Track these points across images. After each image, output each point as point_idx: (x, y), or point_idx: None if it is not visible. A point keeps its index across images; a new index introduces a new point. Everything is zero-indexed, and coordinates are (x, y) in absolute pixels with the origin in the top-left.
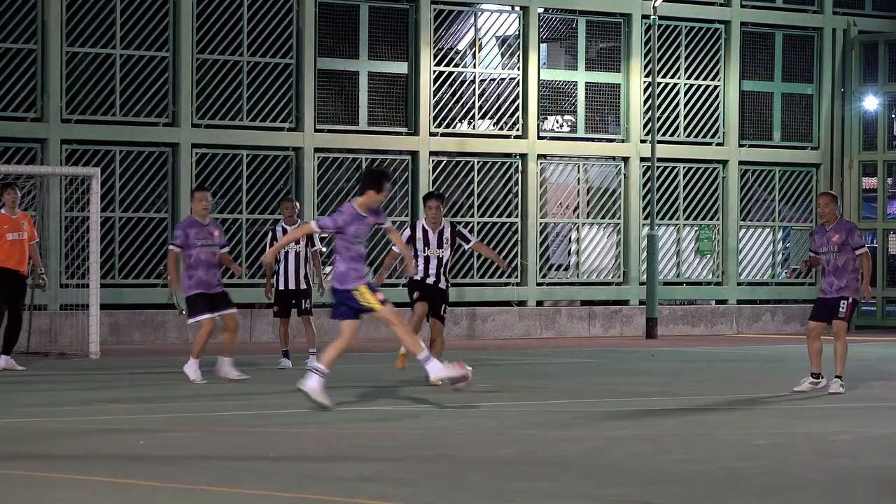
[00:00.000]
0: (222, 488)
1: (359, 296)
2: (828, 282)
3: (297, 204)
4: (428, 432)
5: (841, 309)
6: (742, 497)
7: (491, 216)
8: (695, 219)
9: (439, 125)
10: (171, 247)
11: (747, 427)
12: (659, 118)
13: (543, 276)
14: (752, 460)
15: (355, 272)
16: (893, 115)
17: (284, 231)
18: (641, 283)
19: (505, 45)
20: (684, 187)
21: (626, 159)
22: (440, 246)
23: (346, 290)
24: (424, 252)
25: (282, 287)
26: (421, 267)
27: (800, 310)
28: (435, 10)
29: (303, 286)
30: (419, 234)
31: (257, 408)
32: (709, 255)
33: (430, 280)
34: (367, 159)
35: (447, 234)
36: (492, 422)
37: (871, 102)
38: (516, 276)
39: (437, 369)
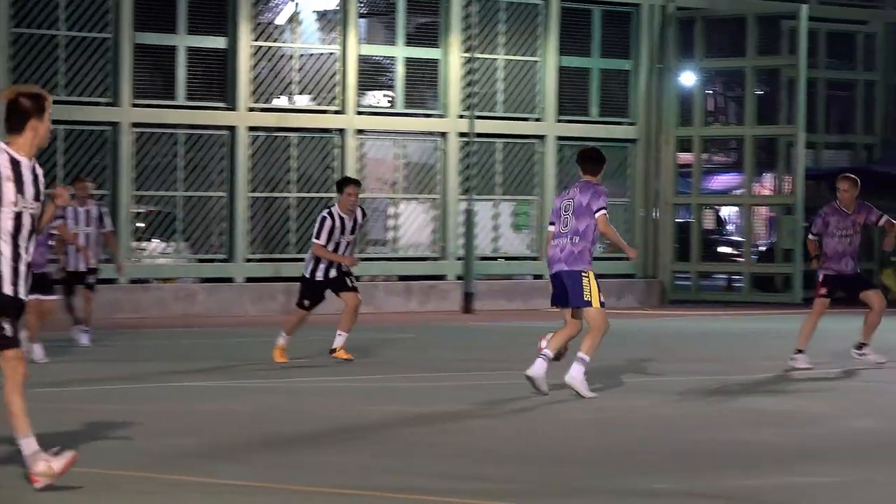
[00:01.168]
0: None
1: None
2: (844, 262)
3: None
4: (249, 408)
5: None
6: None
7: (309, 191)
8: (512, 194)
9: (258, 100)
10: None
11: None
12: (477, 94)
13: (361, 252)
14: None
15: None
16: (709, 92)
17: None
18: (459, 258)
19: (324, 20)
20: (502, 162)
21: (444, 134)
22: (353, 232)
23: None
24: (338, 239)
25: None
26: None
27: (616, 284)
28: None
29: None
30: (336, 223)
31: None
32: (526, 230)
33: (334, 274)
34: (184, 135)
35: (360, 220)
36: (310, 396)
37: (687, 78)
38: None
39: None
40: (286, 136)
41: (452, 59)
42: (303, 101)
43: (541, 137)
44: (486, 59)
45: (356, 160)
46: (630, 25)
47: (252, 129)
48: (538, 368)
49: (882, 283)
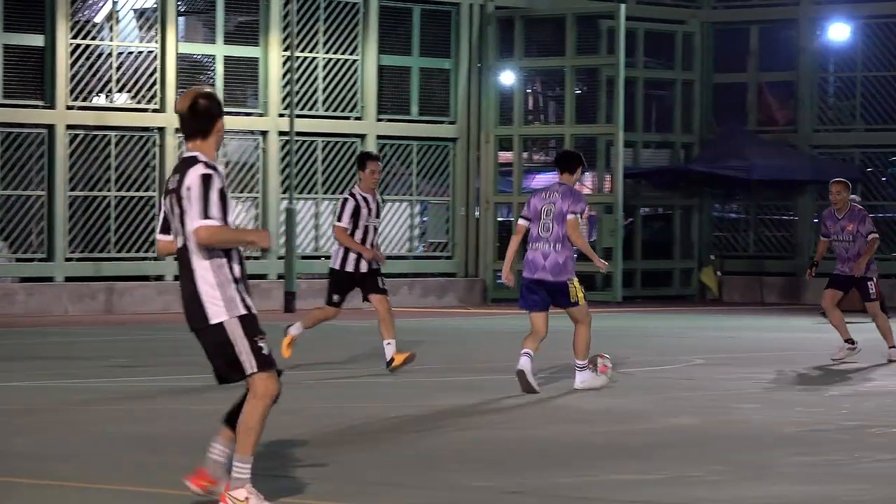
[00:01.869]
0: None
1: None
2: (847, 266)
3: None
4: (68, 408)
5: (871, 291)
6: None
7: (129, 190)
8: (333, 192)
9: (76, 98)
10: None
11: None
12: (298, 92)
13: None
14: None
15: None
16: (529, 91)
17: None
18: (280, 258)
19: (143, 18)
20: (323, 161)
21: (264, 133)
22: (378, 215)
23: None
24: (366, 222)
25: None
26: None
27: (438, 283)
28: None
29: None
30: (361, 204)
31: None
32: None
33: (366, 268)
34: (2, 133)
35: (379, 200)
36: (128, 396)
37: (507, 77)
38: (154, 251)
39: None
40: (105, 135)
41: (272, 57)
42: (122, 99)
43: (361, 136)
44: (306, 57)
45: (176, 159)
46: (450, 24)
47: (70, 127)
48: (525, 364)
49: (701, 282)
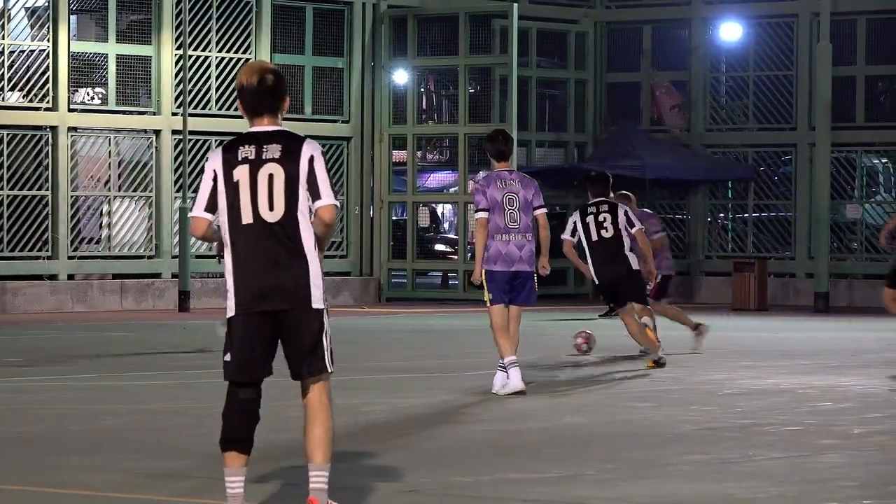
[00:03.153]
0: None
1: None
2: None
3: None
4: None
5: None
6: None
7: (21, 189)
8: None
9: None
10: None
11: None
12: (190, 91)
13: (75, 250)
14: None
15: None
16: (423, 90)
17: None
18: (174, 257)
19: (34, 17)
20: None
21: (157, 132)
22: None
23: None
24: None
25: None
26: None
27: (332, 282)
28: None
29: None
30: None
31: None
32: None
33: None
34: None
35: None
36: (25, 395)
37: (400, 76)
38: (47, 250)
39: None
40: None
41: (165, 56)
42: (13, 97)
43: None
44: (199, 56)
45: (69, 158)
46: (343, 23)
47: None
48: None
49: None
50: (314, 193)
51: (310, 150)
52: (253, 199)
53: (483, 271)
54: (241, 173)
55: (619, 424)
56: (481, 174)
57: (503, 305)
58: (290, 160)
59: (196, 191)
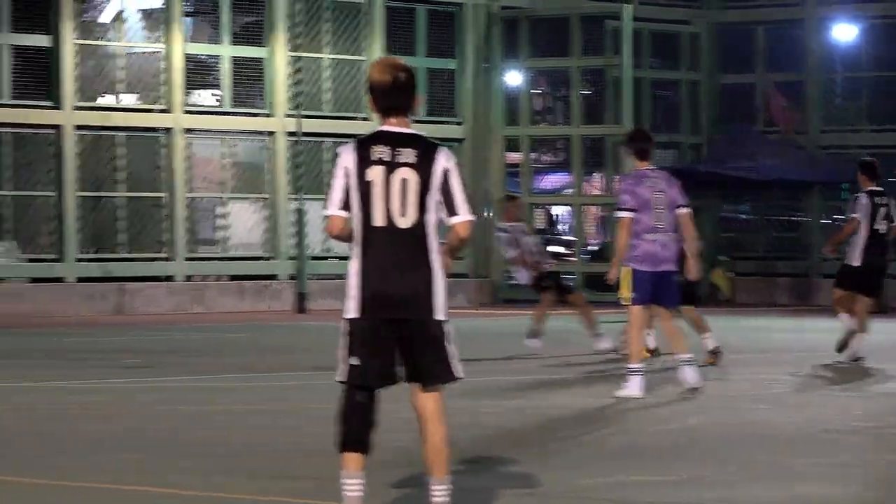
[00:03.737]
0: None
1: None
2: None
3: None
4: (62, 408)
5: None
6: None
7: (138, 191)
8: None
9: (83, 99)
10: None
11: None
12: (304, 93)
13: (192, 252)
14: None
15: None
16: (536, 91)
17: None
18: (291, 258)
19: (149, 19)
20: (330, 161)
21: (272, 133)
22: None
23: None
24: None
25: None
26: None
27: (448, 284)
28: None
29: None
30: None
31: None
32: None
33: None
34: (9, 133)
35: None
36: (141, 395)
37: (513, 78)
38: (165, 251)
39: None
40: (112, 136)
41: (278, 58)
42: (129, 99)
43: None
44: (313, 58)
45: (184, 159)
46: (454, 25)
47: (78, 128)
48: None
49: (712, 283)
50: (450, 208)
51: (445, 161)
52: (386, 203)
53: (630, 270)
54: (375, 174)
55: (741, 427)
56: (630, 172)
57: (645, 306)
58: (424, 167)
59: (328, 188)
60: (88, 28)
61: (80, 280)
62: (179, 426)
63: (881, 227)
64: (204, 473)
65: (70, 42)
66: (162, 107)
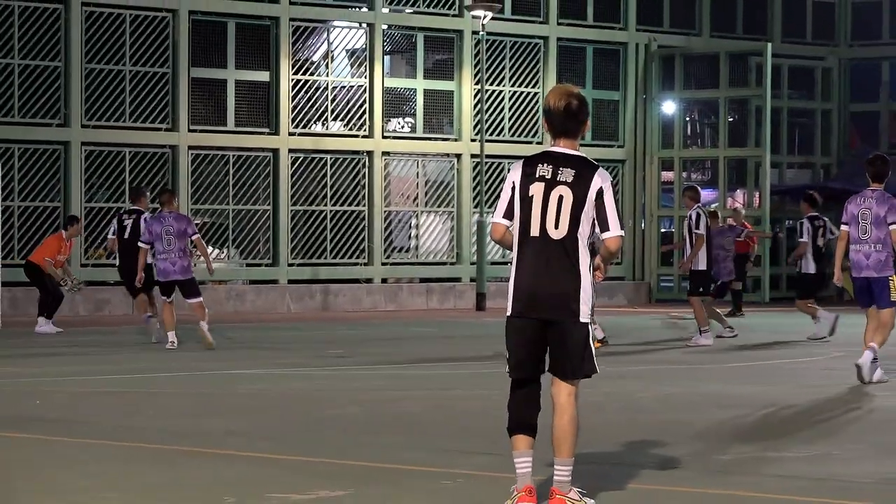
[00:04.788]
0: (103, 441)
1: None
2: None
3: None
4: (286, 393)
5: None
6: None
7: (342, 205)
8: None
9: (297, 126)
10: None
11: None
12: (487, 120)
13: (388, 257)
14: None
15: None
16: (688, 118)
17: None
18: (472, 263)
19: (354, 57)
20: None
21: (458, 156)
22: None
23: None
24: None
25: None
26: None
27: (608, 286)
28: (293, 25)
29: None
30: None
31: (138, 372)
32: None
33: None
34: (234, 156)
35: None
36: (345, 383)
37: (669, 107)
38: (364, 257)
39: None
40: (322, 158)
41: (465, 90)
42: (336, 126)
43: None
44: (494, 90)
45: (382, 178)
46: (619, 61)
47: (292, 151)
48: (865, 358)
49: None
50: (602, 223)
51: (600, 181)
52: (542, 215)
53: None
54: (536, 189)
55: (862, 410)
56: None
57: (866, 307)
58: (580, 186)
59: (497, 200)
60: (302, 65)
61: (291, 282)
62: (388, 409)
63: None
64: (395, 448)
65: (287, 77)
66: (364, 133)
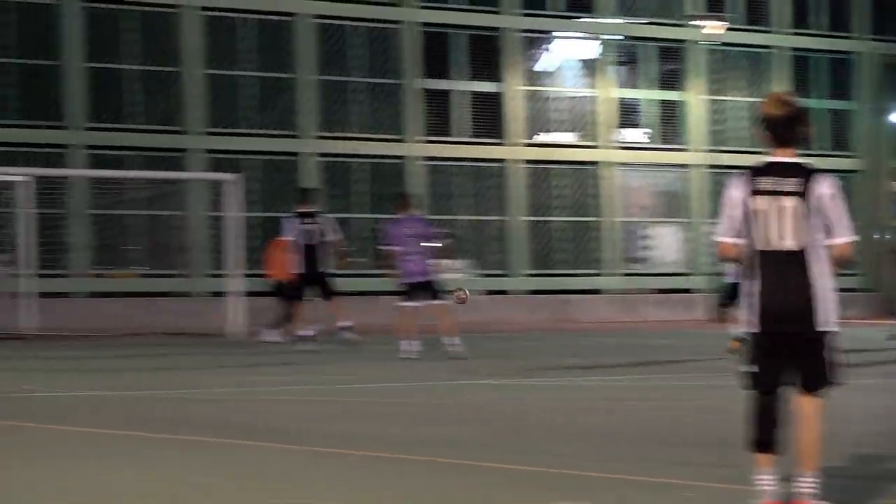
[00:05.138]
0: (330, 449)
1: None
2: None
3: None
4: (516, 402)
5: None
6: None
7: (574, 216)
8: None
9: (528, 137)
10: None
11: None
12: (717, 130)
13: (623, 268)
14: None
15: None
16: None
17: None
18: (706, 274)
19: (582, 67)
20: None
21: (689, 166)
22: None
23: None
24: None
25: None
26: None
27: (842, 297)
28: (523, 37)
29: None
30: None
31: (374, 381)
32: None
33: None
34: (465, 166)
35: None
36: (580, 392)
37: None
38: (600, 267)
39: None
40: (552, 168)
41: (695, 100)
42: (566, 137)
43: None
44: (725, 100)
45: (613, 189)
46: (851, 72)
47: (523, 161)
48: None
49: None
50: (830, 230)
51: (824, 185)
52: (770, 228)
53: None
54: (760, 203)
55: None
56: None
57: None
58: (805, 194)
59: (719, 216)
60: (531, 76)
61: (526, 293)
62: (625, 419)
63: None
64: (630, 458)
65: (516, 88)
66: (594, 143)
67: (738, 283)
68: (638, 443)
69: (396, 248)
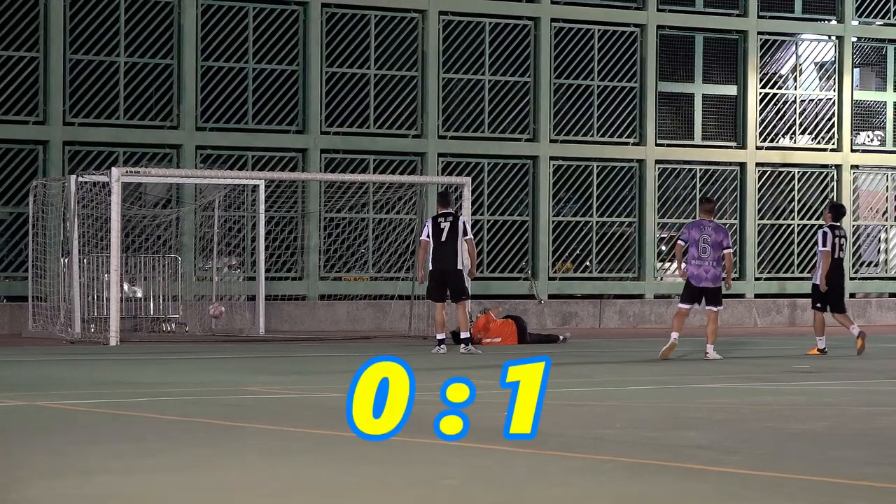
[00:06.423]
0: (569, 454)
1: None
2: None
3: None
4: (754, 407)
5: None
6: None
7: (809, 219)
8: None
9: (764, 140)
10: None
11: None
12: None
13: (856, 272)
14: None
15: None
16: None
17: None
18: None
19: (822, 70)
20: None
21: None
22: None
23: None
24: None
25: None
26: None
27: None
28: (761, 39)
29: None
30: None
31: (600, 385)
32: None
33: None
34: (700, 170)
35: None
36: (809, 398)
37: None
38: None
39: None
40: (789, 171)
41: None
42: (803, 140)
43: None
44: None
45: (851, 192)
46: None
47: (759, 164)
48: None
49: None
50: None
51: None
52: None
53: None
54: None
55: None
56: None
57: None
58: None
59: None
60: (770, 78)
61: (758, 296)
62: (841, 423)
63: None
64: (858, 464)
65: (755, 91)
66: (832, 146)
67: None
68: (864, 447)
69: (682, 244)
